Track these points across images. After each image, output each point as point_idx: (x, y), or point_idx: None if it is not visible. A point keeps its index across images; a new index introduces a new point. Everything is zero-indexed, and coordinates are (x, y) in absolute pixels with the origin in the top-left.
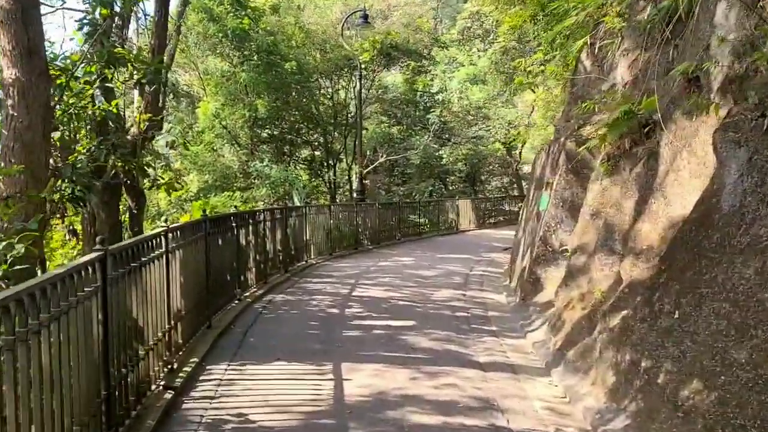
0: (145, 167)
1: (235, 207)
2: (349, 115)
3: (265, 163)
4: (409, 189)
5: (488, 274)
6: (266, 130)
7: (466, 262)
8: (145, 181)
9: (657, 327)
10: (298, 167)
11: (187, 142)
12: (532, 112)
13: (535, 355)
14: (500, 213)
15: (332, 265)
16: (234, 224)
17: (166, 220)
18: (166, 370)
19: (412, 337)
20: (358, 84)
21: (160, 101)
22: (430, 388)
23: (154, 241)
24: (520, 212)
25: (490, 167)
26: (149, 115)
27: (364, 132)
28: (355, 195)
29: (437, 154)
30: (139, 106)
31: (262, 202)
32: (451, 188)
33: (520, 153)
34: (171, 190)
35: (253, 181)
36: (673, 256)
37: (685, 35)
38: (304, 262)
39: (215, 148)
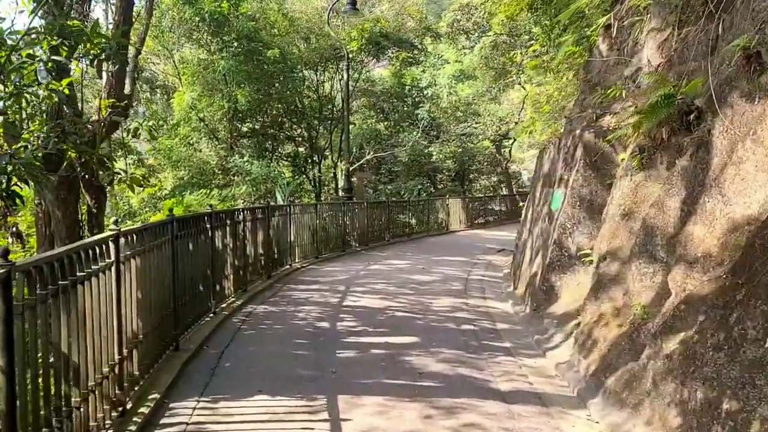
0: (105, 159)
1: (210, 206)
2: (335, 109)
3: (245, 159)
4: (397, 187)
5: (488, 279)
6: (247, 124)
7: (462, 266)
8: (106, 175)
9: (740, 358)
10: (280, 164)
11: (153, 130)
12: (522, 109)
13: (562, 379)
14: (490, 213)
15: (319, 270)
16: (208, 225)
17: (116, 222)
18: (115, 414)
19: (417, 357)
20: (345, 74)
21: (127, 86)
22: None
23: (96, 250)
24: (524, 212)
25: (479, 165)
26: (112, 100)
27: (350, 128)
28: (341, 193)
29: (426, 151)
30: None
31: (242, 201)
32: (439, 187)
33: (510, 151)
34: (137, 187)
35: (232, 177)
36: (751, 268)
37: (735, 6)
38: (288, 266)
39: (191, 142)
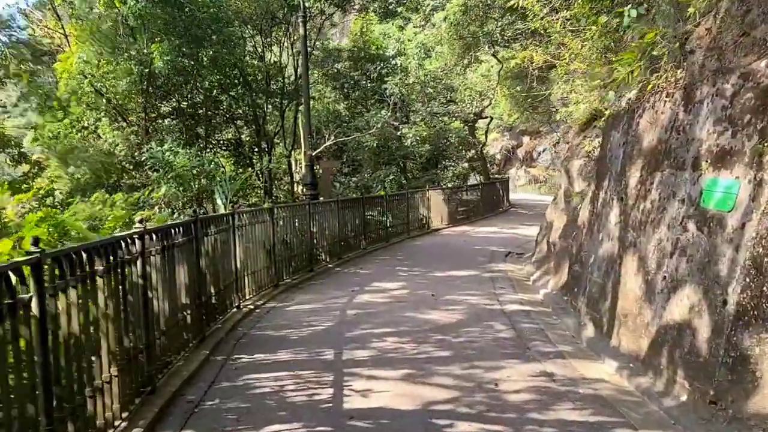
0: None
1: (35, 243)
2: (287, 81)
3: (167, 147)
4: (362, 179)
5: (532, 309)
6: (169, 102)
7: (479, 285)
8: None
9: None
10: (218, 154)
11: None
12: (497, 84)
13: None
14: (469, 204)
15: (284, 311)
16: (28, 295)
17: None
18: None
19: None
20: (302, 29)
21: None
22: None
23: None
24: (589, 210)
25: (452, 150)
26: None
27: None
28: (302, 189)
29: (398, 134)
30: None
31: (163, 207)
32: (409, 176)
33: (486, 133)
34: None
35: (149, 174)
36: None
37: None
38: (234, 309)
39: (87, 125)
